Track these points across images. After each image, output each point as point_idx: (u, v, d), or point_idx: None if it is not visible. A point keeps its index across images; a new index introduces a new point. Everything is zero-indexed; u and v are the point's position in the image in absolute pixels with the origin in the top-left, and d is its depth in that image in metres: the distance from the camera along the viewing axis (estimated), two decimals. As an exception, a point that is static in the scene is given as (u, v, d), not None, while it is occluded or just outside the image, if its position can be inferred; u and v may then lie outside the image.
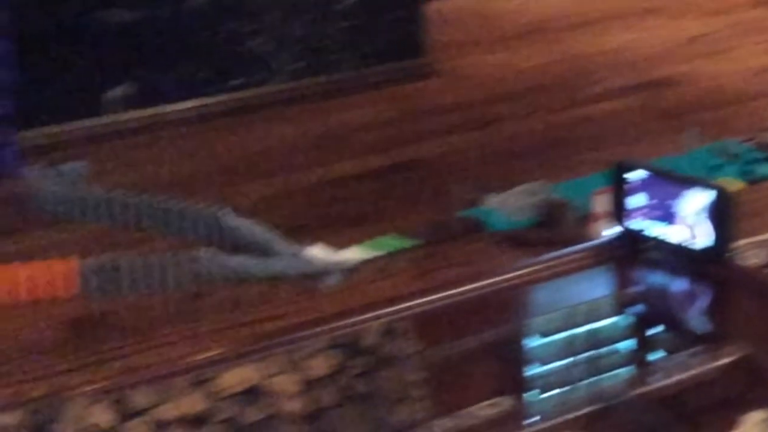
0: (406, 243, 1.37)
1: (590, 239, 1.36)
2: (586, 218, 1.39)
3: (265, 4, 1.70)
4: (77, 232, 1.43)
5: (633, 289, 1.34)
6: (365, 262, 1.32)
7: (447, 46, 1.89)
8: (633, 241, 1.36)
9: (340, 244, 1.36)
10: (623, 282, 1.34)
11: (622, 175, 1.36)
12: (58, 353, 1.19)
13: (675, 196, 1.33)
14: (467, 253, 1.34)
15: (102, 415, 1.01)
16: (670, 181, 1.33)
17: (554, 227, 1.38)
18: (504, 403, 1.22)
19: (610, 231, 1.38)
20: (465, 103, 1.77)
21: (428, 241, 1.37)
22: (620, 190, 1.36)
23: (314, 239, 1.37)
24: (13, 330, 1.23)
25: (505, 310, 1.28)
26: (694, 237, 1.32)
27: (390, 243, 1.37)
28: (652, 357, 1.32)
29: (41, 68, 1.59)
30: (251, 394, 1.04)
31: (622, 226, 1.36)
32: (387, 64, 1.81)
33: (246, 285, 1.29)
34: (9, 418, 1.03)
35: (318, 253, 1.37)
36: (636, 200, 1.36)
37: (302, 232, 1.39)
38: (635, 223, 1.36)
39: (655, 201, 1.35)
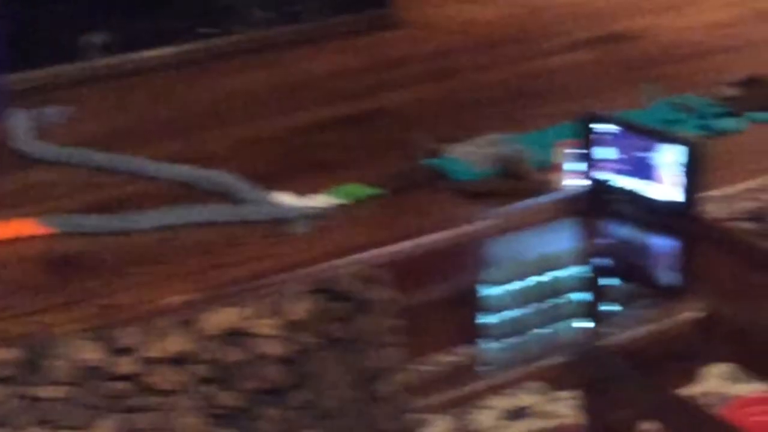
0: (371, 191, 1.39)
1: (553, 190, 1.38)
2: (549, 169, 1.41)
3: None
4: (52, 175, 1.42)
5: (597, 241, 1.36)
6: (331, 210, 1.35)
7: (410, -3, 1.96)
8: (599, 193, 1.36)
9: (306, 192, 1.37)
10: (588, 234, 1.36)
11: (590, 127, 1.35)
12: (37, 291, 1.19)
13: (645, 149, 1.32)
14: (430, 202, 1.36)
15: (91, 352, 1.03)
16: (640, 135, 1.33)
17: (515, 178, 1.41)
18: (462, 352, 1.25)
19: (574, 183, 1.39)
20: (430, 54, 1.78)
21: (392, 189, 1.39)
22: (587, 141, 1.35)
23: (281, 186, 1.38)
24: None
25: (467, 261, 1.30)
26: (662, 191, 1.32)
27: (355, 191, 1.40)
28: (610, 309, 1.34)
29: (23, 15, 1.58)
30: (232, 336, 1.06)
31: (588, 178, 1.36)
32: (354, 14, 1.82)
33: (214, 230, 1.30)
34: (3, 354, 1.04)
35: (285, 199, 1.39)
36: (603, 153, 1.36)
37: (269, 179, 1.40)
38: (602, 176, 1.36)
39: (623, 154, 1.35)
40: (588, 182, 1.37)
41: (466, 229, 1.32)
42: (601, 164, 1.37)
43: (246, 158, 1.48)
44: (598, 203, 1.38)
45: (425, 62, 1.76)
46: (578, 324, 1.34)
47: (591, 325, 1.34)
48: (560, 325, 1.34)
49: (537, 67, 1.75)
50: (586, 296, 1.36)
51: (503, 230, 1.33)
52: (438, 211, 1.36)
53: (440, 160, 1.45)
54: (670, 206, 1.32)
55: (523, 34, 1.86)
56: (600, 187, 1.38)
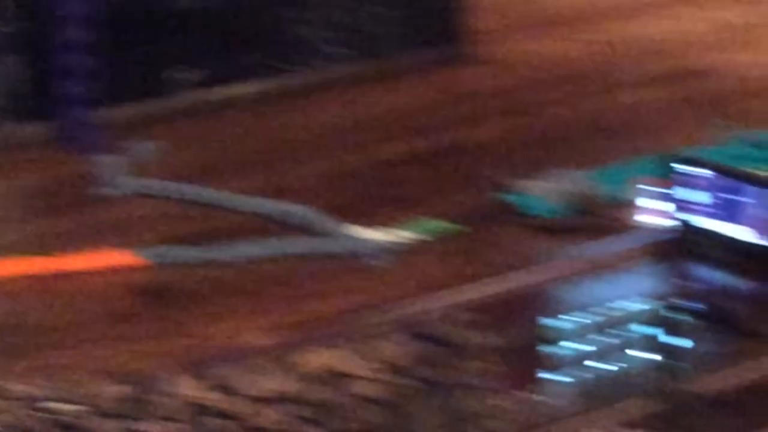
0: (447, 226, 1.43)
1: (628, 229, 1.40)
2: (624, 206, 1.42)
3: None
4: (143, 208, 1.49)
5: (682, 283, 1.35)
6: (409, 244, 1.38)
7: (488, 32, 1.94)
8: (683, 234, 1.34)
9: (384, 226, 1.40)
10: (671, 276, 1.36)
11: (672, 166, 1.34)
12: (129, 320, 1.24)
13: (732, 191, 1.31)
14: (506, 238, 1.39)
15: (194, 389, 1.06)
16: (727, 176, 1.31)
17: (590, 214, 1.43)
18: (539, 391, 1.24)
19: (652, 222, 1.40)
20: (504, 89, 1.82)
21: (467, 224, 1.43)
22: (669, 181, 1.34)
23: (359, 220, 1.42)
24: (81, 296, 1.29)
25: (547, 303, 1.31)
26: (750, 234, 1.30)
27: (431, 226, 1.43)
28: (683, 345, 1.32)
29: (115, 52, 1.65)
30: (329, 376, 1.09)
31: (671, 218, 1.35)
32: (429, 50, 1.86)
33: (296, 263, 1.34)
34: (108, 388, 1.09)
35: (364, 233, 1.43)
36: (687, 193, 1.34)
37: (347, 213, 1.44)
38: (685, 217, 1.34)
39: (709, 195, 1.33)
40: (670, 222, 1.36)
41: (550, 269, 1.34)
42: (684, 204, 1.35)
43: (325, 192, 1.52)
44: (683, 245, 1.37)
45: (500, 97, 1.80)
46: (650, 360, 1.35)
47: (664, 362, 1.34)
48: (629, 360, 1.36)
49: (610, 103, 1.77)
50: (655, 330, 1.35)
51: (587, 270, 1.34)
52: (514, 247, 1.38)
53: (515, 195, 1.48)
54: (759, 249, 1.30)
55: (596, 70, 1.89)
56: (684, 228, 1.37)
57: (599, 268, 1.36)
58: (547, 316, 1.29)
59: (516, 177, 1.50)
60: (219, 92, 1.77)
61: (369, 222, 1.43)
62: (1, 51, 1.61)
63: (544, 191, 1.50)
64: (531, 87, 1.83)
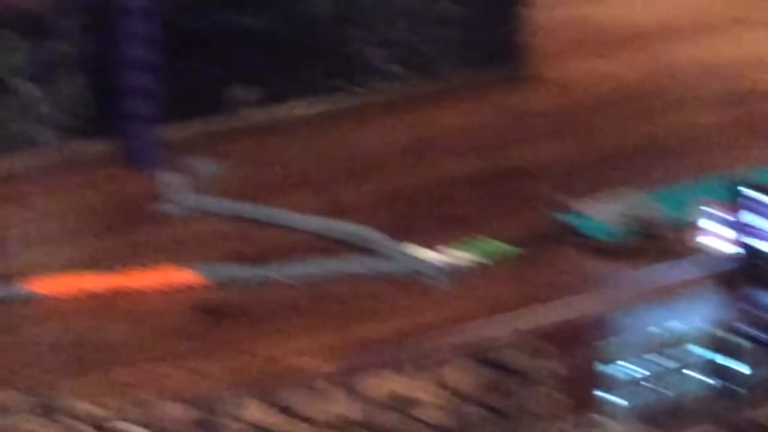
0: (505, 247, 1.42)
1: (690, 252, 1.39)
2: (685, 229, 1.41)
3: (375, 12, 1.76)
4: (202, 226, 1.50)
5: (746, 311, 1.35)
6: (467, 265, 1.37)
7: (546, 52, 1.92)
8: (749, 260, 1.32)
9: (441, 246, 1.40)
10: (736, 303, 1.35)
11: (739, 190, 1.33)
12: (187, 338, 1.25)
13: None
14: (564, 260, 1.39)
15: (260, 412, 1.07)
16: None
17: (650, 237, 1.42)
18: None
19: (718, 247, 1.38)
20: (563, 109, 1.81)
21: (525, 245, 1.42)
22: (735, 206, 1.33)
23: (416, 240, 1.43)
24: (140, 313, 1.30)
25: (608, 328, 1.30)
26: None
27: (489, 246, 1.43)
28: (741, 370, 1.30)
29: (176, 70, 1.66)
30: (394, 402, 1.10)
31: (736, 244, 1.33)
32: (487, 69, 1.86)
33: (354, 282, 1.35)
34: (174, 411, 1.10)
35: (422, 253, 1.43)
36: (756, 219, 1.32)
37: (405, 232, 1.44)
38: (752, 242, 1.32)
39: None
40: (734, 248, 1.34)
41: (611, 293, 1.33)
42: (748, 229, 1.34)
43: (383, 212, 1.52)
44: (746, 271, 1.36)
45: (558, 118, 1.79)
46: (710, 385, 1.33)
47: (724, 387, 1.33)
48: (689, 384, 1.33)
49: (671, 124, 1.76)
50: (715, 355, 1.34)
51: (648, 295, 1.33)
52: (574, 270, 1.38)
53: (573, 216, 1.47)
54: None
55: (656, 90, 1.87)
56: (748, 253, 1.36)
57: (661, 293, 1.35)
58: (608, 340, 1.30)
59: (574, 198, 1.49)
60: (279, 111, 1.77)
61: (427, 242, 1.42)
62: (64, 69, 1.62)
63: (604, 213, 1.49)
64: (588, 107, 1.82)
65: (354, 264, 1.39)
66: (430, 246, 1.41)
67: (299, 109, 1.77)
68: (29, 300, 1.34)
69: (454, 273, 1.36)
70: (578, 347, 1.26)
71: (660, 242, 1.40)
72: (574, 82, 1.91)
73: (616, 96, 1.85)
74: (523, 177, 1.61)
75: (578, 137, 1.72)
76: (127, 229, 1.51)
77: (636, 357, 1.30)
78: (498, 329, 1.25)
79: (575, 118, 1.79)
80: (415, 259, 1.40)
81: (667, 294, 1.33)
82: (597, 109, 1.81)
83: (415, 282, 1.35)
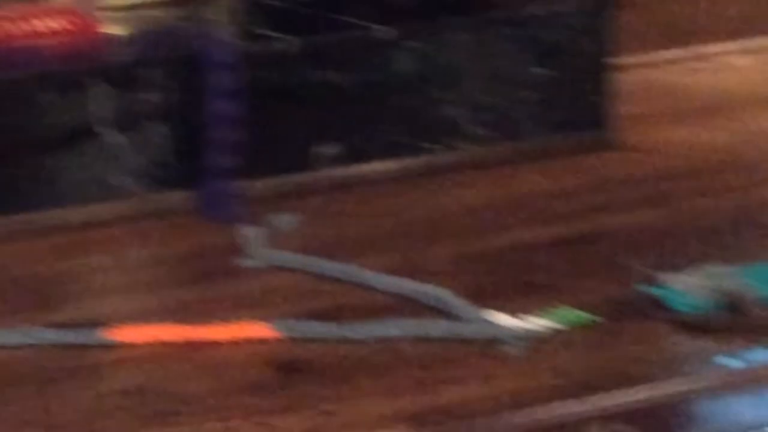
0: (586, 318, 1.38)
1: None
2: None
3: (461, 73, 1.76)
4: (279, 281, 1.49)
5: None
6: (546, 333, 1.34)
7: (631, 119, 1.89)
8: None
9: (520, 312, 1.38)
10: None
11: None
12: (262, 392, 1.24)
13: None
14: (648, 333, 1.34)
15: None
16: None
17: (738, 313, 1.38)
18: None
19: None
20: (649, 178, 1.78)
21: (607, 316, 1.38)
22: None
23: (494, 305, 1.40)
24: (215, 366, 1.30)
25: (697, 416, 1.26)
26: None
27: (569, 315, 1.39)
28: None
29: (260, 124, 1.67)
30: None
31: None
32: (571, 135, 1.83)
33: (429, 344, 1.32)
34: None
35: (500, 318, 1.40)
36: None
37: (482, 296, 1.42)
38: None
39: None
40: None
41: (700, 375, 1.28)
42: None
43: (460, 274, 1.50)
44: None
45: (644, 186, 1.75)
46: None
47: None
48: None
49: (762, 196, 1.72)
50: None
51: (740, 379, 1.28)
52: (658, 345, 1.33)
53: (658, 288, 1.42)
54: None
55: (747, 161, 1.83)
56: None
57: (750, 378, 1.30)
58: (692, 427, 1.25)
59: (660, 269, 1.45)
60: (359, 168, 1.77)
61: (504, 307, 1.40)
62: (150, 120, 1.64)
63: (690, 286, 1.44)
64: (676, 176, 1.78)
65: (430, 326, 1.37)
66: (508, 312, 1.38)
67: (380, 167, 1.77)
68: (105, 346, 1.34)
69: (532, 341, 1.33)
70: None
71: (750, 320, 1.35)
72: (662, 150, 1.88)
73: (705, 165, 1.82)
74: (607, 245, 1.58)
75: (665, 206, 1.68)
76: (205, 280, 1.51)
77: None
78: (576, 405, 1.20)
79: (662, 186, 1.75)
80: (493, 324, 1.37)
81: (757, 379, 1.28)
82: (686, 178, 1.77)
83: (493, 348, 1.32)
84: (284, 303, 1.44)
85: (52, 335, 1.37)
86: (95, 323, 1.37)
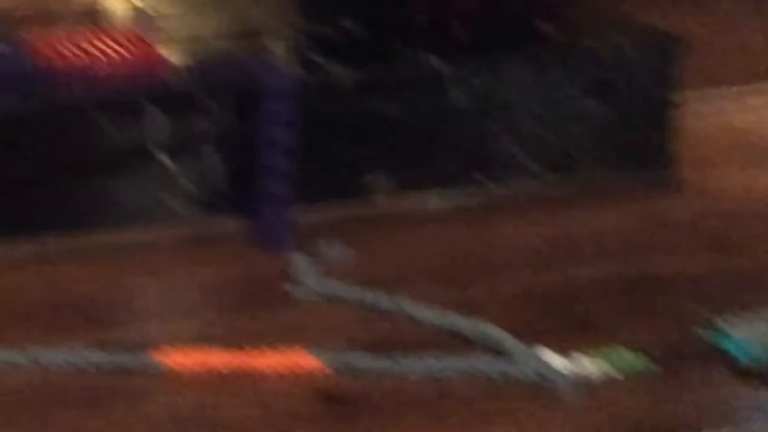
0: (642, 362, 1.34)
1: None
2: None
3: (519, 107, 1.74)
4: (328, 312, 1.48)
5: None
6: (599, 376, 1.31)
7: (695, 159, 1.85)
8: None
9: (571, 353, 1.35)
10: None
11: None
12: (307, 425, 1.23)
13: None
14: (706, 381, 1.31)
15: None
16: None
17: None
18: None
19: None
20: (711, 220, 1.73)
21: (662, 360, 1.35)
22: None
23: (545, 344, 1.37)
24: (260, 394, 1.29)
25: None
26: None
27: (623, 358, 1.35)
28: None
29: (311, 153, 1.66)
30: None
31: None
32: (632, 173, 1.79)
33: (478, 382, 1.30)
34: None
35: (551, 358, 1.37)
36: None
37: (534, 335, 1.39)
38: None
39: None
40: None
41: (758, 427, 1.24)
42: None
43: (513, 311, 1.47)
44: None
45: (705, 229, 1.72)
46: None
47: None
48: None
49: (827, 246, 1.74)
50: None
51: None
52: (717, 395, 1.29)
53: (716, 334, 1.39)
54: None
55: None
56: None
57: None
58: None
59: (720, 315, 1.42)
60: (413, 200, 1.74)
61: (557, 347, 1.36)
62: (204, 146, 1.63)
63: (750, 333, 1.41)
64: (740, 221, 1.73)
65: (480, 364, 1.34)
66: (561, 352, 1.35)
67: (433, 200, 1.75)
68: (153, 371, 1.34)
69: (583, 383, 1.30)
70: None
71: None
72: (724, 193, 1.83)
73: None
74: (665, 288, 1.54)
75: (727, 250, 1.64)
76: (254, 308, 1.50)
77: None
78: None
79: (724, 230, 1.71)
80: (543, 363, 1.34)
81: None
82: (749, 223, 1.72)
83: (542, 388, 1.29)
84: (333, 334, 1.43)
85: (99, 357, 1.37)
86: (144, 346, 1.37)
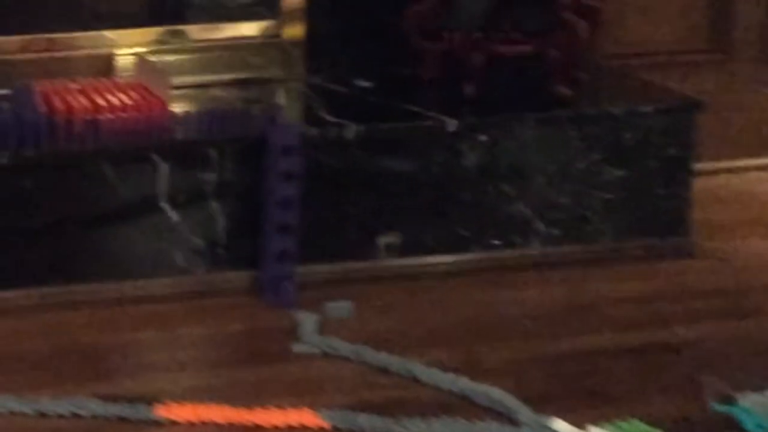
0: (655, 432, 1.34)
1: None
2: None
3: (532, 170, 1.71)
4: (331, 369, 1.45)
5: None
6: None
7: (712, 225, 1.83)
8: None
9: (580, 421, 1.31)
10: None
11: None
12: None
13: None
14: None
15: None
16: None
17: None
18: None
19: None
20: (726, 289, 1.69)
21: (678, 433, 1.33)
22: None
23: (555, 412, 1.33)
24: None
25: None
26: None
27: (637, 430, 1.31)
28: None
29: (320, 210, 1.64)
30: None
31: None
32: (647, 240, 1.76)
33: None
34: None
35: (561, 427, 1.32)
36: None
37: (543, 402, 1.35)
38: None
39: None
40: None
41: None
42: None
43: (521, 377, 1.43)
44: None
45: (723, 298, 1.67)
46: None
47: None
48: None
49: None
50: None
51: None
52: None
53: (733, 408, 1.34)
54: None
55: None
56: None
57: None
58: None
59: (736, 388, 1.37)
60: (421, 260, 1.71)
61: (566, 416, 1.32)
62: (210, 199, 1.62)
63: (767, 407, 1.39)
64: (758, 289, 1.69)
65: (484, 428, 1.30)
66: (570, 421, 1.31)
67: (443, 260, 1.71)
68: (154, 423, 1.33)
69: (596, 453, 1.28)
70: None
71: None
72: (743, 260, 1.79)
73: (788, 281, 1.81)
74: (682, 358, 1.49)
75: (745, 321, 1.60)
76: (257, 363, 1.47)
77: None
78: None
79: (743, 299, 1.66)
80: (553, 431, 1.31)
81: None
82: (764, 293, 1.67)
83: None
84: (335, 392, 1.39)
85: (100, 407, 1.37)
86: (146, 399, 1.37)
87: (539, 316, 1.62)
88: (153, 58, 1.80)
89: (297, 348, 1.49)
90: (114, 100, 1.70)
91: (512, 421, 1.32)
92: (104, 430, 1.32)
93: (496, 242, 1.73)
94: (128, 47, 1.80)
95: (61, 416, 1.33)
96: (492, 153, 1.71)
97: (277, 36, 1.82)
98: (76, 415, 1.34)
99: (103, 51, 1.80)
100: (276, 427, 1.32)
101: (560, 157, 1.73)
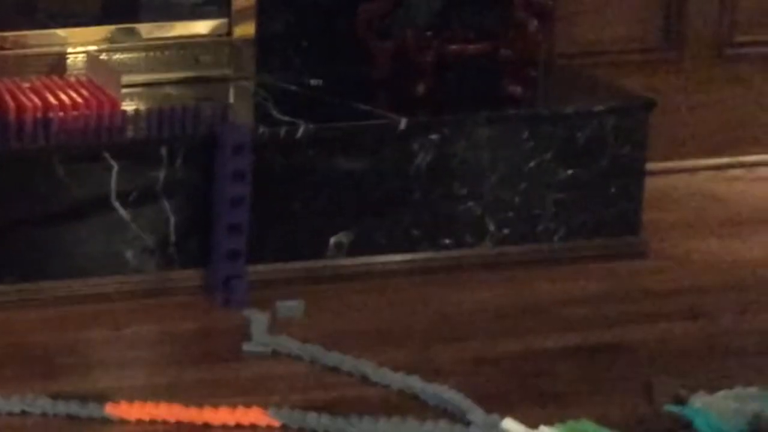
0: (605, 432, 1.34)
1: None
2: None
3: (484, 169, 1.70)
4: (281, 369, 1.44)
5: None
6: (560, 447, 1.30)
7: (662, 226, 1.82)
8: None
9: (532, 421, 1.31)
10: None
11: None
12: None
13: None
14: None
15: None
16: None
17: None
18: None
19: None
20: (677, 290, 1.69)
21: (626, 432, 1.33)
22: None
23: (506, 412, 1.32)
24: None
25: None
26: None
27: (587, 430, 1.32)
28: None
29: (270, 209, 1.63)
30: None
31: None
32: (598, 240, 1.76)
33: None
34: None
35: (511, 427, 1.32)
36: None
37: (494, 402, 1.35)
38: None
39: None
40: None
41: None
42: None
43: (472, 377, 1.43)
44: None
45: (674, 298, 1.67)
46: None
47: None
48: None
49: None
50: None
51: None
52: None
53: (685, 408, 1.34)
54: None
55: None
56: None
57: None
58: None
59: (686, 387, 1.36)
60: (372, 259, 1.70)
61: (516, 415, 1.31)
62: (156, 197, 1.60)
63: (717, 407, 1.36)
64: (708, 289, 1.69)
65: (433, 429, 1.30)
66: (521, 420, 1.30)
67: (394, 259, 1.70)
68: (106, 422, 1.32)
69: (545, 453, 1.28)
70: None
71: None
72: (694, 261, 1.79)
73: (739, 280, 1.72)
74: (631, 358, 1.49)
75: (695, 321, 1.60)
76: (206, 362, 1.47)
77: None
78: None
79: (693, 300, 1.66)
80: (503, 431, 1.30)
81: None
82: (718, 293, 1.68)
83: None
84: (285, 391, 1.38)
85: (52, 406, 1.36)
86: (95, 397, 1.36)
87: (489, 317, 1.61)
88: (104, 57, 1.79)
89: (248, 347, 1.49)
90: (65, 99, 1.68)
91: (463, 421, 1.32)
92: (54, 428, 1.32)
93: (448, 241, 1.72)
94: (80, 45, 1.79)
95: (10, 414, 1.32)
96: (443, 152, 1.70)
97: (229, 35, 1.82)
98: (25, 413, 1.33)
99: (55, 49, 1.79)
100: (226, 426, 1.32)
101: (512, 156, 1.72)
